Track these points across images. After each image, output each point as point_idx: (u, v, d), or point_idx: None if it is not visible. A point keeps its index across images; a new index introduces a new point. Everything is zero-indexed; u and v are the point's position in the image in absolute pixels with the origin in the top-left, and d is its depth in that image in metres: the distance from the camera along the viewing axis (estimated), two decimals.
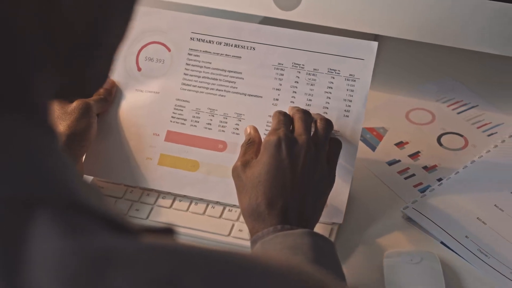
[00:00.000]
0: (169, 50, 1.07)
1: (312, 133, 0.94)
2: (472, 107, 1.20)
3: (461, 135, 1.14)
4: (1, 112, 0.45)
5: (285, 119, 0.95)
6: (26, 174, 0.44)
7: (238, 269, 0.44)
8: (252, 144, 0.95)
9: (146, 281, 0.41)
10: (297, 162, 0.90)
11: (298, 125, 0.94)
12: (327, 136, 0.95)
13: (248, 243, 0.95)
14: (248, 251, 0.45)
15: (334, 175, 0.94)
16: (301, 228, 0.85)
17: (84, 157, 1.01)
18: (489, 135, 1.14)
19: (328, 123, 0.96)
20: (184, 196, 1.01)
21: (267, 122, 1.02)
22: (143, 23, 1.08)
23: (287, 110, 0.98)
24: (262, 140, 0.94)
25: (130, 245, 0.43)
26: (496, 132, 1.15)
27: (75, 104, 0.98)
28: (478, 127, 1.16)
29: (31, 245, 0.42)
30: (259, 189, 0.88)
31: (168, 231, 0.47)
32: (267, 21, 1.25)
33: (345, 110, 1.02)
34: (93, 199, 0.46)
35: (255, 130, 0.98)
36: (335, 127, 0.99)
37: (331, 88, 1.03)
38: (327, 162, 0.93)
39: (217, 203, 1.01)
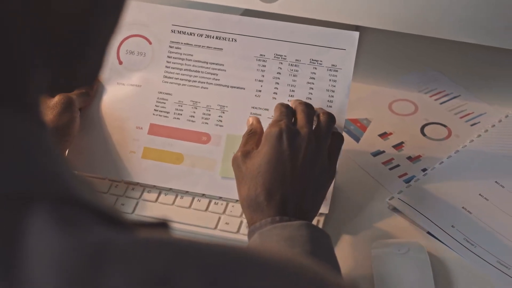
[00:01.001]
0: (150, 42, 1.06)
1: (314, 126, 0.94)
2: (454, 97, 1.20)
3: (444, 125, 1.14)
4: None
5: (287, 111, 0.94)
6: (21, 170, 0.43)
7: (235, 262, 0.44)
8: (254, 134, 0.95)
9: (143, 275, 0.41)
10: (298, 154, 0.89)
11: (300, 117, 0.93)
12: (329, 130, 0.94)
13: (235, 236, 0.95)
14: (244, 245, 0.45)
15: (335, 169, 0.94)
16: (299, 220, 0.84)
17: (67, 152, 1.00)
18: (472, 125, 1.14)
19: (330, 117, 0.95)
20: (170, 189, 1.01)
21: (250, 114, 1.02)
22: (124, 17, 1.06)
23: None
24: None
25: (127, 239, 0.43)
26: (479, 122, 1.15)
27: (57, 98, 0.97)
28: (460, 117, 1.16)
29: (28, 241, 0.41)
30: (259, 180, 0.87)
31: (162, 225, 0.47)
32: (248, 13, 1.24)
33: (328, 101, 1.01)
34: (87, 193, 0.45)
35: (258, 121, 0.97)
36: None
37: (314, 78, 1.02)
38: (328, 156, 0.93)
39: (203, 196, 1.00)
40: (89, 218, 0.43)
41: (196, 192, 1.00)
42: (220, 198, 0.99)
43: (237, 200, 0.99)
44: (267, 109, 1.02)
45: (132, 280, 0.41)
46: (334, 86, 1.02)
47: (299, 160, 0.89)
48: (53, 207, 0.42)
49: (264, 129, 0.94)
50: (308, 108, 0.95)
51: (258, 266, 0.44)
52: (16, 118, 0.45)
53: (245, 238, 0.94)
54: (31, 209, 0.42)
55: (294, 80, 1.03)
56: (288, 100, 1.00)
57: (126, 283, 0.40)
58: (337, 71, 1.02)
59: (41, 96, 0.48)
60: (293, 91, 1.02)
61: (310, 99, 1.01)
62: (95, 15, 0.49)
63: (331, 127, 0.95)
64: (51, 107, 0.96)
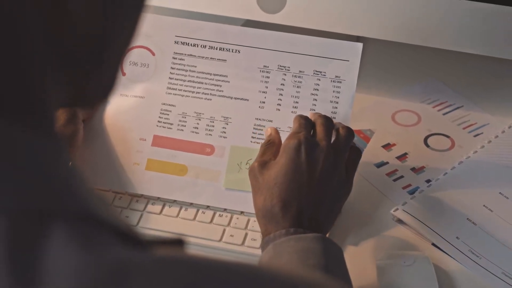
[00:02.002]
0: (153, 54, 1.06)
1: (333, 140, 0.94)
2: (457, 108, 1.20)
3: (448, 136, 1.14)
4: (12, 122, 0.44)
5: (306, 123, 0.94)
6: (39, 186, 0.43)
7: (253, 281, 0.44)
8: (272, 145, 0.94)
9: None
10: (316, 167, 0.89)
11: (319, 130, 0.93)
12: (347, 144, 0.94)
13: (240, 248, 0.95)
14: (256, 263, 0.46)
15: (352, 184, 0.94)
16: (313, 232, 0.84)
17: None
18: (475, 136, 1.14)
19: (349, 131, 0.95)
20: (174, 201, 1.00)
21: (254, 125, 1.02)
22: None
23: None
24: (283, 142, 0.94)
25: (146, 257, 0.43)
26: (482, 133, 1.15)
27: (60, 110, 0.97)
28: (463, 128, 1.16)
29: (48, 258, 0.41)
30: (275, 191, 0.87)
31: (178, 242, 0.47)
32: (250, 24, 1.24)
33: (331, 112, 1.01)
34: (103, 210, 0.45)
35: (276, 131, 0.97)
36: None
37: (317, 90, 1.02)
38: (345, 170, 0.93)
39: (207, 208, 0.99)
40: (108, 236, 0.43)
41: (200, 203, 0.99)
42: (225, 210, 0.99)
43: (241, 212, 0.98)
44: (271, 121, 1.02)
45: None
46: (338, 97, 1.02)
47: (317, 172, 0.89)
48: (72, 224, 0.42)
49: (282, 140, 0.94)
50: (327, 121, 0.95)
51: (275, 284, 0.44)
52: (33, 133, 0.45)
53: (250, 250, 0.94)
54: (50, 226, 0.42)
55: (298, 92, 1.02)
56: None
57: None
58: (340, 82, 1.02)
59: (56, 110, 0.48)
60: (296, 102, 1.02)
61: (314, 110, 1.01)
62: (113, 26, 0.49)
63: (349, 141, 0.94)
64: None
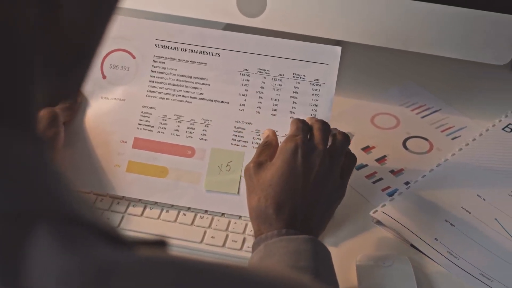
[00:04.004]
0: (133, 57, 1.06)
1: (329, 145, 0.94)
2: (435, 111, 1.21)
3: (426, 139, 1.15)
4: None
5: (303, 127, 0.95)
6: (22, 188, 0.43)
7: (237, 282, 0.44)
8: (268, 146, 0.95)
9: None
10: (311, 171, 0.90)
11: (316, 135, 0.94)
12: (343, 150, 0.95)
13: (221, 250, 0.95)
14: (244, 264, 0.46)
15: (345, 189, 0.95)
16: (305, 234, 0.85)
17: None
18: (453, 139, 1.15)
19: (345, 137, 0.96)
20: (155, 203, 1.00)
21: (234, 128, 1.02)
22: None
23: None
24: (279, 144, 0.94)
25: (130, 258, 0.43)
26: (460, 136, 1.16)
27: (41, 113, 0.97)
28: (442, 131, 1.17)
29: (31, 260, 0.41)
30: (269, 192, 0.88)
31: (161, 243, 0.47)
32: (230, 27, 1.24)
33: (311, 115, 1.02)
34: (87, 211, 0.45)
35: (274, 133, 0.98)
36: None
37: (297, 93, 1.03)
38: (340, 175, 0.93)
39: (189, 210, 1.00)
40: (92, 237, 0.43)
41: (181, 205, 1.00)
42: (206, 212, 0.99)
43: (222, 214, 0.99)
44: (251, 123, 1.02)
45: None
46: (317, 100, 1.02)
47: (312, 176, 0.90)
48: (56, 226, 0.42)
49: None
50: (324, 126, 0.96)
51: (259, 286, 0.44)
52: (15, 135, 0.45)
53: (231, 252, 0.95)
54: (34, 229, 0.42)
55: (277, 95, 1.03)
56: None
57: None
58: (319, 85, 1.03)
59: (38, 111, 0.48)
60: (276, 105, 1.03)
61: (294, 113, 1.02)
62: (95, 25, 0.49)
63: (345, 146, 0.96)
64: None
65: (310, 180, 0.89)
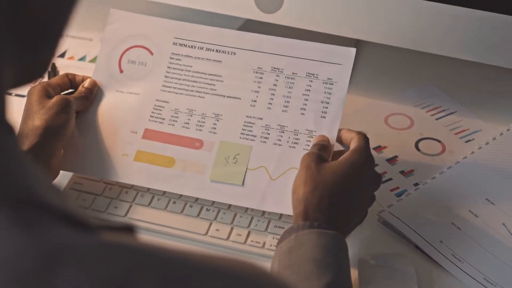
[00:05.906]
0: (151, 53, 1.08)
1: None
2: (451, 113, 1.20)
3: (439, 141, 1.15)
4: None
5: (368, 140, 0.98)
6: None
7: (194, 271, 0.44)
8: (326, 148, 0.98)
9: (97, 279, 0.41)
10: (368, 184, 0.94)
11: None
12: None
13: (225, 243, 0.97)
14: (207, 251, 0.46)
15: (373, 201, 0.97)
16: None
17: (62, 151, 1.01)
18: (466, 142, 1.15)
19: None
20: (163, 194, 1.02)
21: (244, 122, 1.03)
22: (128, 29, 1.09)
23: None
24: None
25: (86, 241, 0.43)
26: (474, 139, 1.15)
27: (54, 99, 0.99)
28: (456, 133, 1.17)
29: None
30: (329, 189, 0.90)
31: (128, 229, 0.47)
32: (248, 23, 1.25)
33: (322, 112, 1.02)
34: (52, 196, 0.45)
35: (329, 139, 1.00)
36: (312, 127, 1.00)
37: (309, 91, 1.03)
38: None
39: (196, 201, 1.01)
40: (50, 220, 0.43)
41: (184, 194, 1.01)
42: (212, 204, 1.01)
43: (229, 207, 1.00)
44: (261, 118, 1.03)
45: (85, 283, 0.41)
46: (329, 98, 1.03)
47: (366, 189, 0.94)
48: (12, 208, 0.43)
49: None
50: None
51: (216, 275, 0.44)
52: None
53: (235, 245, 0.96)
54: None
55: (289, 92, 1.04)
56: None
57: (77, 285, 0.41)
58: (332, 84, 1.03)
59: (6, 95, 0.48)
60: (288, 102, 1.03)
61: (305, 109, 1.02)
62: (63, 4, 0.49)
63: None
64: (47, 107, 0.98)
65: (363, 191, 0.93)
